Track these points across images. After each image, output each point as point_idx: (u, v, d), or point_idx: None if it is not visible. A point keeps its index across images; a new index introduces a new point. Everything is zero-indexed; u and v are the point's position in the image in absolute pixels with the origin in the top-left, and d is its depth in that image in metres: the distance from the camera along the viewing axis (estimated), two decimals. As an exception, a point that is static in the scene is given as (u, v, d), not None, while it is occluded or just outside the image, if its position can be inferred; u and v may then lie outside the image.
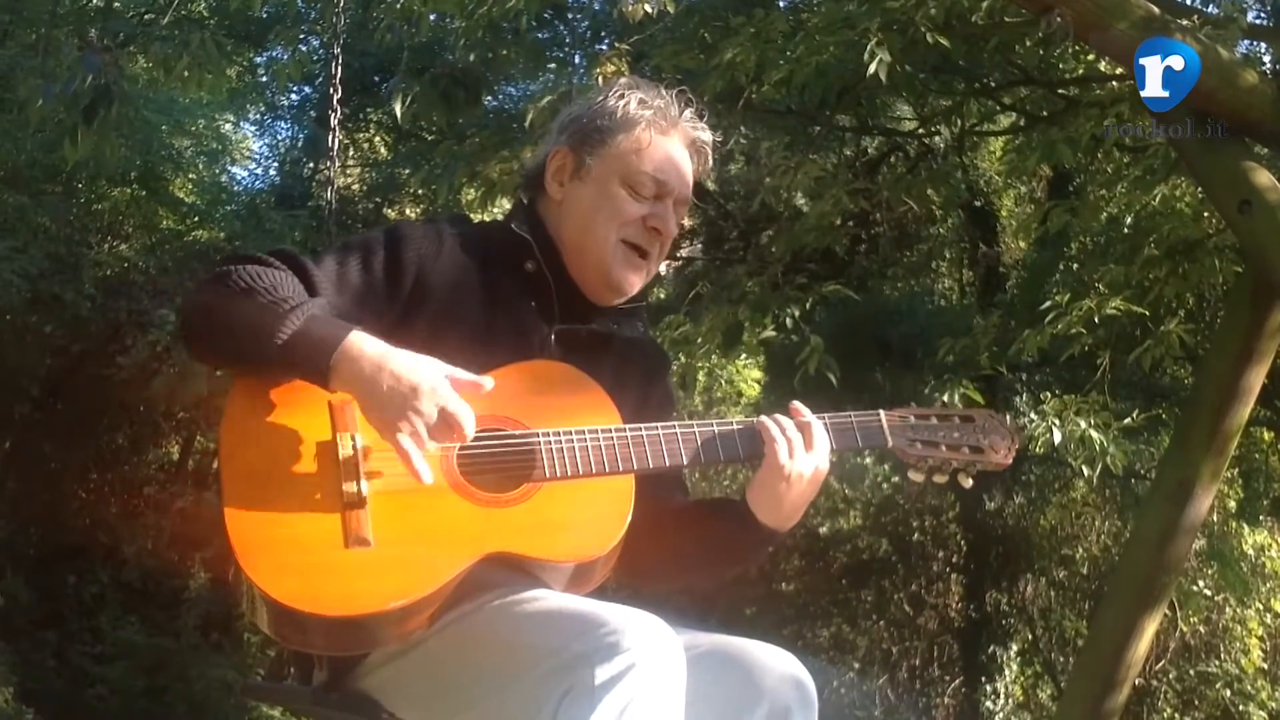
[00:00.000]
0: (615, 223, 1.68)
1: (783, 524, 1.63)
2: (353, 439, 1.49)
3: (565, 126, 1.77)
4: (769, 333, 4.99)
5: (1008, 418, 1.75)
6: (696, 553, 1.71)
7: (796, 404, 1.65)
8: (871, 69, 3.90)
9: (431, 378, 1.46)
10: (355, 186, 9.56)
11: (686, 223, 8.57)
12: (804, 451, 1.59)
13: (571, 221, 1.71)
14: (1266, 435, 7.24)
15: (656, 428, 1.58)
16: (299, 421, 1.50)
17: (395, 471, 1.47)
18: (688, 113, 1.75)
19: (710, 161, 1.80)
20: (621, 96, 1.73)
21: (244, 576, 1.42)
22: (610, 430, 1.56)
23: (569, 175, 1.73)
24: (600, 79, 4.02)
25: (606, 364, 1.69)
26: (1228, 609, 8.15)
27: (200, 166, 8.95)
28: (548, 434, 1.53)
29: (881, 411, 1.67)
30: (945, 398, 4.20)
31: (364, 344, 1.46)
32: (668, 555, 1.69)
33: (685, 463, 1.59)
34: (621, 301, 1.74)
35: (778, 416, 1.62)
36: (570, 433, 1.54)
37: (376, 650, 1.53)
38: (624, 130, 1.71)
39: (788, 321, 4.70)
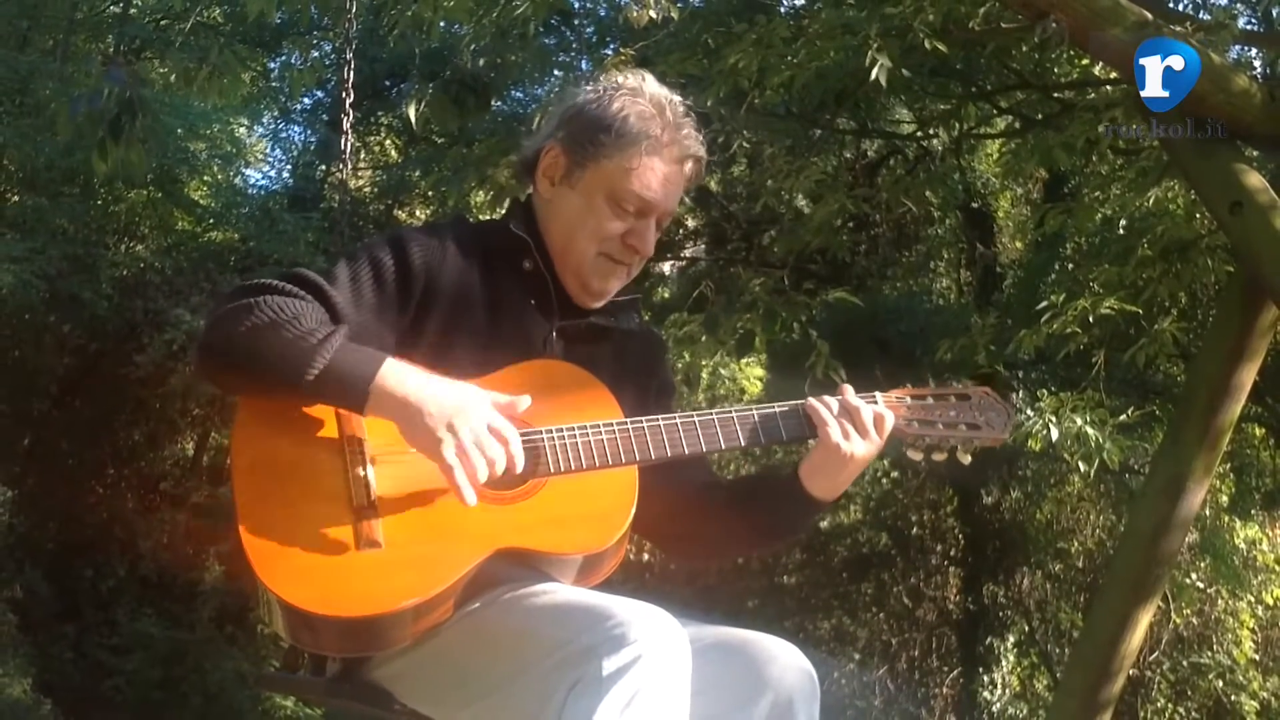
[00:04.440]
0: (596, 239, 1.68)
1: (836, 495, 1.69)
2: (360, 443, 1.51)
3: (565, 121, 1.74)
4: (775, 333, 5.08)
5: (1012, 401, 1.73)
6: (745, 527, 1.73)
7: (845, 386, 1.68)
8: (873, 75, 3.97)
9: (475, 398, 1.49)
10: (366, 189, 9.60)
11: (690, 223, 8.63)
12: (856, 433, 1.62)
13: (557, 225, 1.71)
14: (1258, 431, 7.27)
15: (657, 419, 1.59)
16: (308, 428, 1.52)
17: (403, 474, 1.50)
18: (686, 128, 1.72)
19: (702, 175, 1.78)
20: (622, 107, 1.70)
21: (259, 583, 1.43)
22: (612, 424, 1.57)
23: (559, 177, 1.71)
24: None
25: (606, 357, 1.71)
26: (1220, 601, 8.17)
27: (215, 169, 9.01)
28: (551, 430, 1.54)
29: (878, 393, 1.68)
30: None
31: (399, 373, 1.49)
32: (720, 533, 1.74)
33: (685, 452, 1.60)
34: (614, 295, 1.75)
35: (833, 401, 1.64)
36: (573, 428, 1.55)
37: None
38: (618, 147, 1.68)
39: (795, 325, 4.78)
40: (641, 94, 1.71)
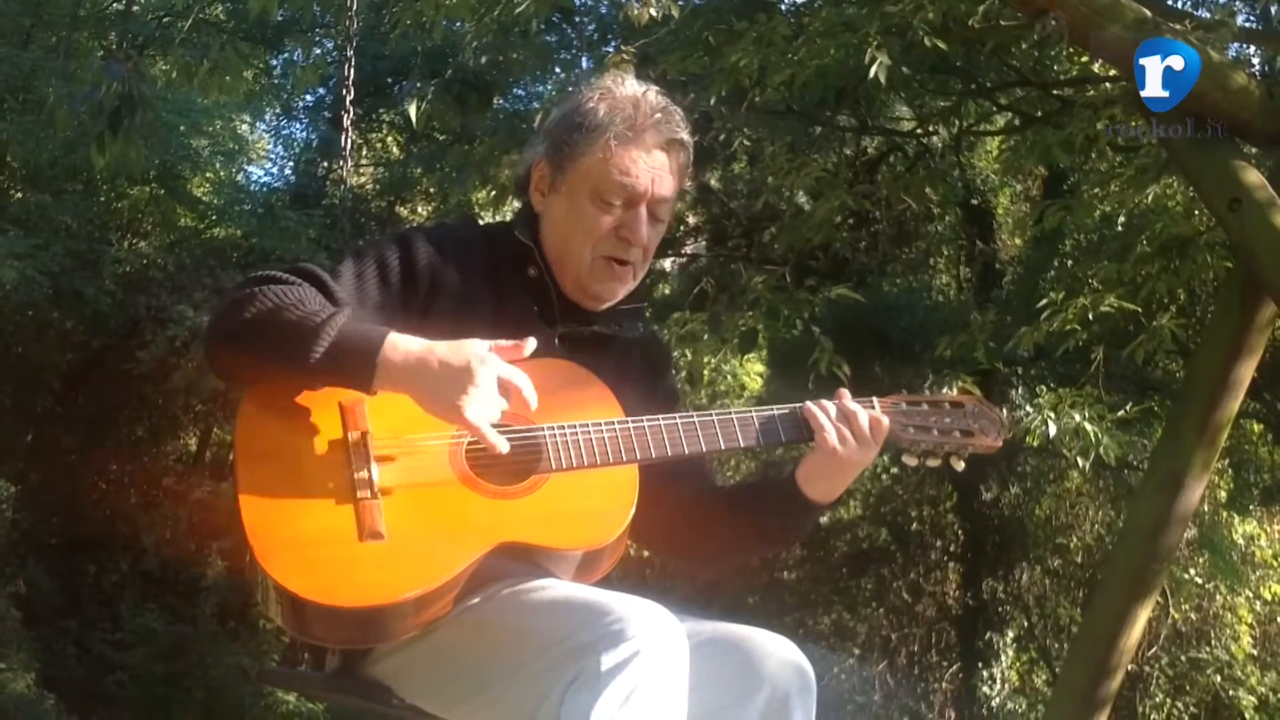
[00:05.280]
0: (589, 240, 1.68)
1: (835, 497, 1.69)
2: (363, 435, 1.51)
3: (546, 134, 1.75)
4: (778, 330, 5.09)
5: (1003, 411, 1.78)
6: (746, 532, 1.74)
7: (843, 390, 1.69)
8: (872, 73, 3.98)
9: (478, 351, 1.48)
10: (368, 186, 9.64)
11: (691, 220, 8.64)
12: (853, 439, 1.62)
13: (551, 234, 1.71)
14: (1256, 427, 7.31)
15: (658, 419, 1.60)
16: (311, 419, 1.52)
17: (406, 466, 1.51)
18: (663, 114, 1.70)
19: (690, 156, 1.75)
20: (593, 104, 1.69)
21: (260, 571, 1.43)
22: (614, 423, 1.58)
23: (547, 188, 1.72)
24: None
25: (609, 363, 1.71)
26: (1218, 597, 8.19)
27: (217, 166, 9.06)
28: (553, 427, 1.55)
29: (875, 399, 1.69)
30: (944, 391, 4.25)
31: (403, 342, 1.48)
32: (721, 537, 1.74)
33: (686, 451, 1.60)
34: (617, 303, 1.74)
35: (830, 406, 1.64)
36: (575, 426, 1.56)
37: None
38: (590, 142, 1.67)
39: (796, 322, 4.79)
40: (614, 90, 1.71)
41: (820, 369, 4.35)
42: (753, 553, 1.83)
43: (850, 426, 1.63)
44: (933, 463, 1.72)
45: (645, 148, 1.68)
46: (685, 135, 1.72)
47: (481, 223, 1.90)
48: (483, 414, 1.46)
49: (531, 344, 1.52)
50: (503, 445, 1.47)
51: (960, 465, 1.72)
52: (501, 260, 1.70)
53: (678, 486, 1.69)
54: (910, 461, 1.72)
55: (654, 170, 1.68)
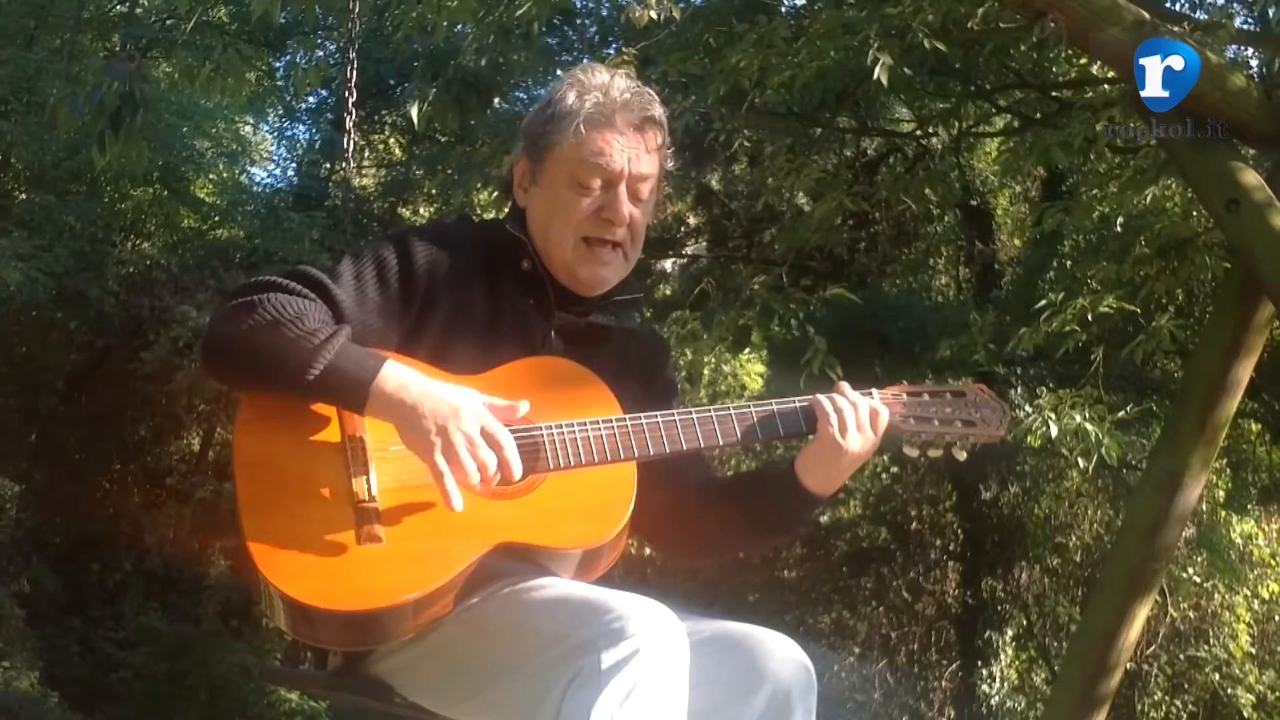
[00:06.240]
0: (570, 225, 1.69)
1: (832, 490, 1.69)
2: (361, 439, 1.52)
3: (523, 132, 1.76)
4: (774, 329, 5.10)
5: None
6: (743, 524, 1.74)
7: (843, 384, 1.69)
8: (875, 74, 4.00)
9: (471, 403, 1.50)
10: (371, 187, 9.68)
11: (692, 221, 8.67)
12: (854, 428, 1.63)
13: (536, 225, 1.72)
14: (1254, 427, 7.33)
15: (655, 416, 1.60)
16: (309, 423, 1.54)
17: (404, 470, 1.51)
18: (634, 95, 1.70)
19: (666, 135, 1.75)
20: (562, 95, 1.70)
21: (261, 577, 1.44)
22: (611, 421, 1.58)
23: (528, 182, 1.74)
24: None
25: (606, 356, 1.71)
26: (1216, 595, 8.21)
27: (220, 167, 9.09)
28: (550, 427, 1.56)
29: (874, 390, 1.69)
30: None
31: (399, 375, 1.50)
32: (717, 530, 1.75)
33: (684, 448, 1.60)
34: (612, 292, 1.75)
35: (833, 396, 1.65)
36: (573, 425, 1.56)
37: None
38: (563, 130, 1.68)
39: (793, 321, 4.80)
40: (583, 79, 1.72)
41: (813, 369, 4.35)
42: (749, 546, 1.85)
43: (850, 417, 1.64)
44: (934, 453, 1.70)
45: (617, 129, 1.68)
46: (659, 113, 1.73)
47: (475, 220, 1.91)
48: (446, 467, 1.46)
49: (524, 407, 1.54)
50: (456, 504, 1.46)
51: (962, 455, 1.70)
52: (496, 255, 1.72)
53: (676, 480, 1.70)
54: (911, 452, 1.71)
55: (629, 149, 1.68)
